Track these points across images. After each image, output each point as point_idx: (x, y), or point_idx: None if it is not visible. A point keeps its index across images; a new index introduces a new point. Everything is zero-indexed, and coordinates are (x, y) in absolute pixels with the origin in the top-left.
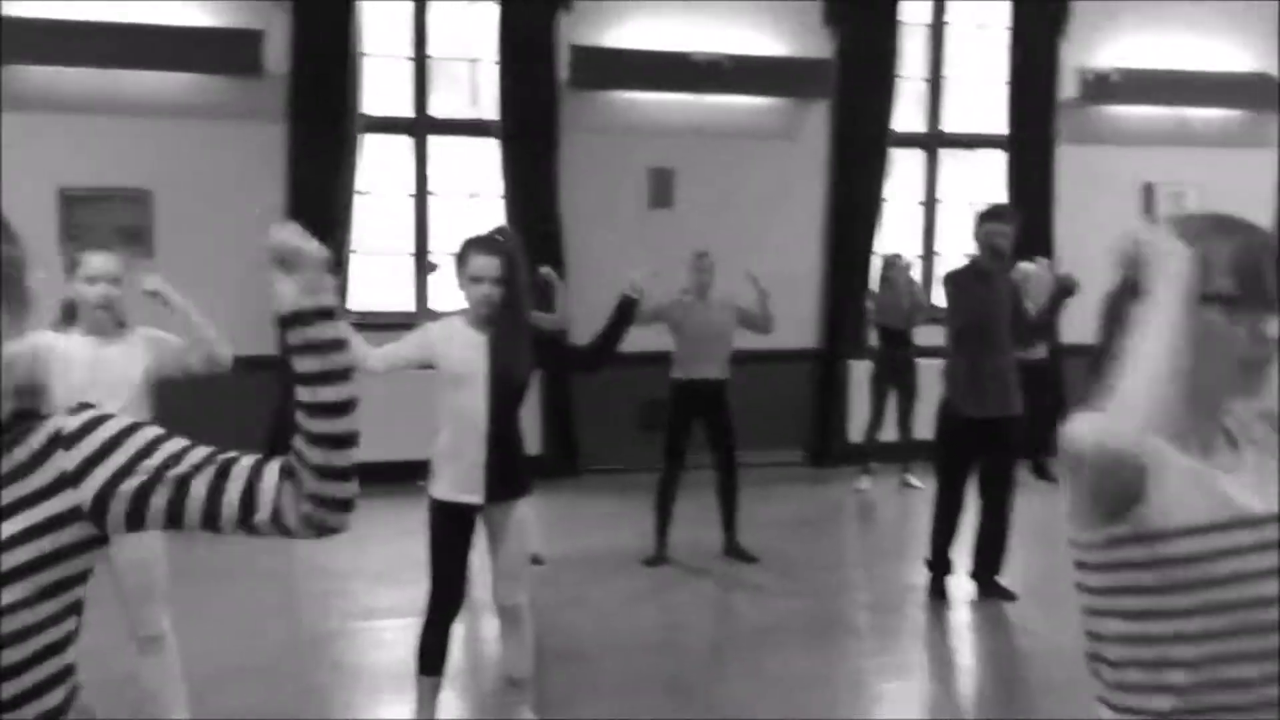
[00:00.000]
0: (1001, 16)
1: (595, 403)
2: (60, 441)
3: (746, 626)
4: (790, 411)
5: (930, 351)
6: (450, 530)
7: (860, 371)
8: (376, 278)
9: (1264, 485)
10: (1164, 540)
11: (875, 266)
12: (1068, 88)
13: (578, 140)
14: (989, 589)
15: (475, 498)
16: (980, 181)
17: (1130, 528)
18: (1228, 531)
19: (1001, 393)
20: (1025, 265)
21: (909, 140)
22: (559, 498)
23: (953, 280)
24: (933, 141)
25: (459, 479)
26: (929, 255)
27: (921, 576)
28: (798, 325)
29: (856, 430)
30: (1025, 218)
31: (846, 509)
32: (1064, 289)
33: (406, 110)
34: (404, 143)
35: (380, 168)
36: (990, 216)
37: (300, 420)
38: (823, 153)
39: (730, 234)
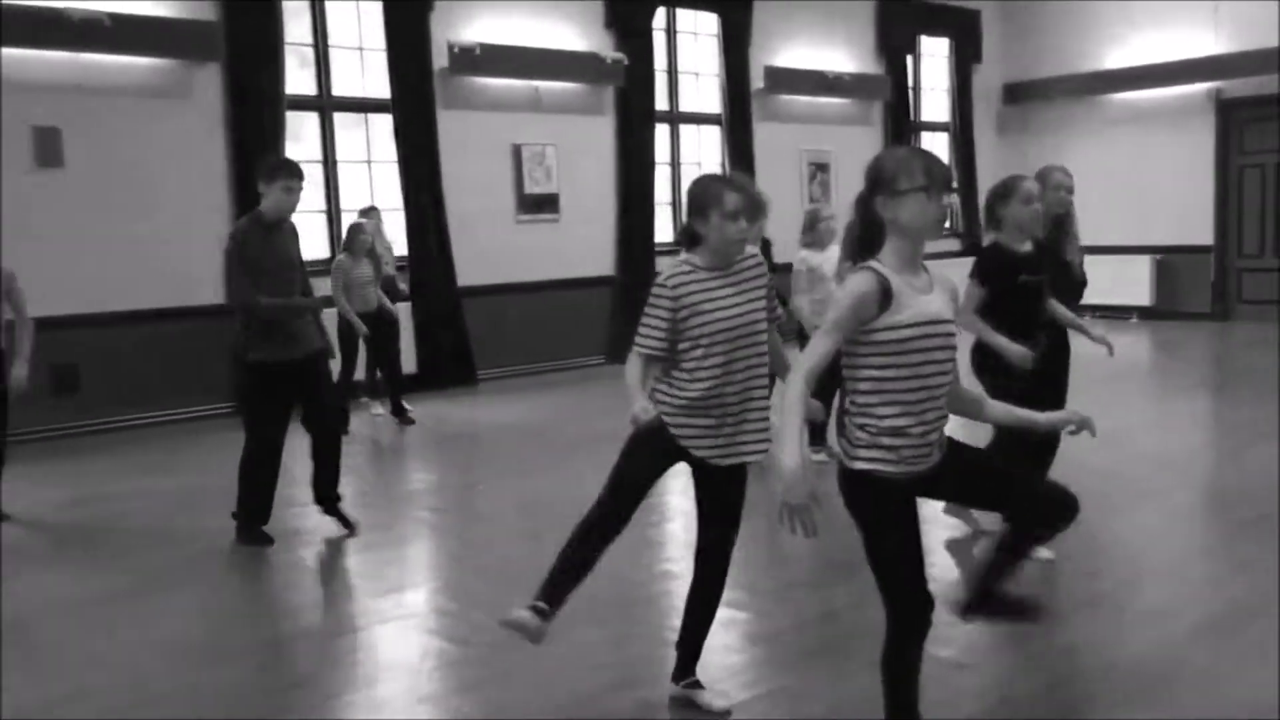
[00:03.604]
0: None
1: None
2: None
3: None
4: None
5: None
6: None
7: None
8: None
9: (943, 302)
10: (896, 329)
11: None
12: (439, 59)
13: None
14: (332, 511)
15: None
16: (375, 142)
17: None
18: (923, 326)
19: (303, 333)
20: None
21: (303, 103)
22: None
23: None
24: (326, 105)
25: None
26: (331, 212)
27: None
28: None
29: None
30: (416, 173)
31: None
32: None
33: None
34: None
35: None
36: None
37: None
38: (218, 113)
39: (127, 193)
